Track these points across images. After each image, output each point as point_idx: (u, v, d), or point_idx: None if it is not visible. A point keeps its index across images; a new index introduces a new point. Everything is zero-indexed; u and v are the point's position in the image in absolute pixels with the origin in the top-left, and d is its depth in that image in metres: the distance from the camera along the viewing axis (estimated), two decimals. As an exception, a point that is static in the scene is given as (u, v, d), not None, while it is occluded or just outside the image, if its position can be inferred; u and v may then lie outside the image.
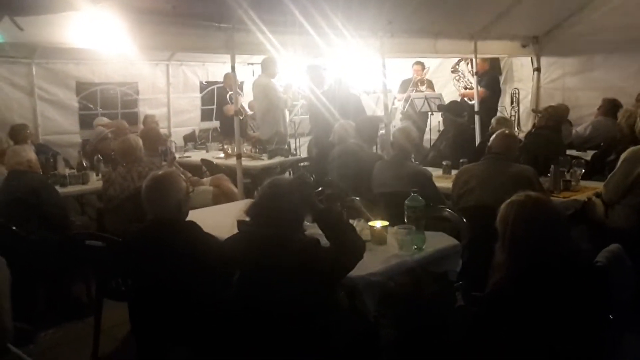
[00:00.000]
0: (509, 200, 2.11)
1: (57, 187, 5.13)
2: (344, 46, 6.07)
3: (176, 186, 2.66)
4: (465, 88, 8.22)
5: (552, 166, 4.15)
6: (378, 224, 3.10)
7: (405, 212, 2.97)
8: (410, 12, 6.06)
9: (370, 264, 2.77)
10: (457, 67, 8.34)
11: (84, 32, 4.02)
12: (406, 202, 2.96)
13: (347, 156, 4.72)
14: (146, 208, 2.65)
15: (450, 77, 8.64)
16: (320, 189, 3.55)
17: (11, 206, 4.11)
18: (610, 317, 2.17)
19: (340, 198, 3.41)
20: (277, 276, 2.18)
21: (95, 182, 5.46)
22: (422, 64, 8.45)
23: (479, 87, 7.41)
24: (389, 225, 3.15)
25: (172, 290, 2.44)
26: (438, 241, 3.06)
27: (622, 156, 3.80)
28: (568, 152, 5.47)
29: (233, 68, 5.12)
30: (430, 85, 8.52)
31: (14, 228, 3.89)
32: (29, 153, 4.56)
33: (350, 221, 3.31)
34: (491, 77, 7.91)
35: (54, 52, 6.99)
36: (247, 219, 2.35)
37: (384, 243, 3.05)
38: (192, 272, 2.38)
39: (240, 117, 8.30)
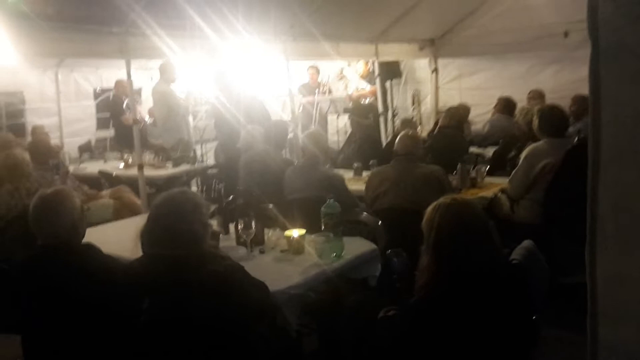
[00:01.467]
0: (435, 203, 2.07)
1: None
2: (246, 49, 5.93)
3: (68, 204, 2.38)
4: (357, 89, 8.31)
5: (459, 164, 4.24)
6: (295, 232, 2.99)
7: (322, 219, 2.88)
8: (311, 16, 6.03)
9: (288, 276, 2.66)
10: (342, 74, 8.41)
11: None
12: (322, 208, 2.87)
13: (256, 163, 4.57)
14: (35, 232, 2.35)
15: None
16: (231, 197, 3.38)
17: None
18: (532, 315, 2.19)
19: (254, 206, 3.25)
20: (191, 299, 2.00)
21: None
22: (316, 68, 8.44)
23: (370, 87, 7.53)
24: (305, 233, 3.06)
25: (70, 323, 2.18)
26: (356, 247, 3.00)
27: (523, 154, 3.94)
28: (470, 149, 5.67)
29: (129, 74, 4.81)
30: (330, 89, 8.59)
31: None
32: None
33: (266, 231, 3.21)
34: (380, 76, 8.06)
35: None
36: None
37: (302, 252, 2.94)
38: (92, 302, 2.14)
39: (139, 126, 7.94)
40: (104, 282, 2.17)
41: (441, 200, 2.05)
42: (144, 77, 8.90)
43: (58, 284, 2.24)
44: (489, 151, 5.68)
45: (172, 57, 6.03)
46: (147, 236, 2.12)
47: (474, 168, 4.48)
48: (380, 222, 3.40)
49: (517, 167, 3.97)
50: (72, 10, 4.07)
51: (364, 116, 5.69)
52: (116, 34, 4.56)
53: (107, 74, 8.56)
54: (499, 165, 4.88)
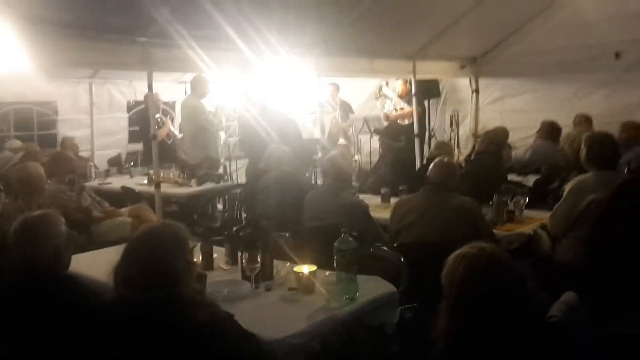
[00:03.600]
0: (458, 252, 1.73)
1: (-54, 222, 4.50)
2: (278, 64, 5.72)
3: (52, 231, 2.17)
4: (396, 110, 7.97)
5: (494, 196, 3.87)
6: (305, 268, 2.69)
7: (335, 256, 2.57)
8: (345, 30, 5.78)
9: (292, 321, 2.36)
10: (380, 92, 8.05)
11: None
12: (335, 244, 2.57)
13: (276, 185, 4.30)
14: (14, 257, 2.15)
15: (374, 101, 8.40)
16: (241, 225, 3.11)
17: None
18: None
19: (263, 236, 2.98)
20: (166, 352, 1.72)
21: (-5, 215, 4.80)
22: (336, 85, 8.12)
23: (408, 106, 7.23)
24: (320, 266, 2.76)
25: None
26: (373, 288, 2.67)
27: (568, 186, 3.55)
28: (509, 176, 5.27)
29: (150, 87, 4.64)
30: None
31: None
32: None
33: (275, 262, 2.93)
34: (417, 97, 7.70)
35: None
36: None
37: (312, 292, 2.64)
38: (62, 340, 1.90)
39: (169, 141, 7.83)
40: (76, 320, 1.93)
41: (466, 249, 1.72)
42: (178, 91, 8.82)
43: (31, 316, 2.02)
44: (530, 180, 5.26)
45: (200, 71, 5.88)
46: (120, 274, 1.87)
47: (512, 199, 4.10)
48: (402, 258, 3.07)
49: (560, 201, 3.58)
50: (92, 18, 3.91)
51: (396, 138, 5.36)
52: (139, 43, 4.40)
53: (142, 86, 8.38)
54: (540, 197, 4.47)
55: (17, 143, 7.02)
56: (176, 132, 8.06)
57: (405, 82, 7.55)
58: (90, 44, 4.05)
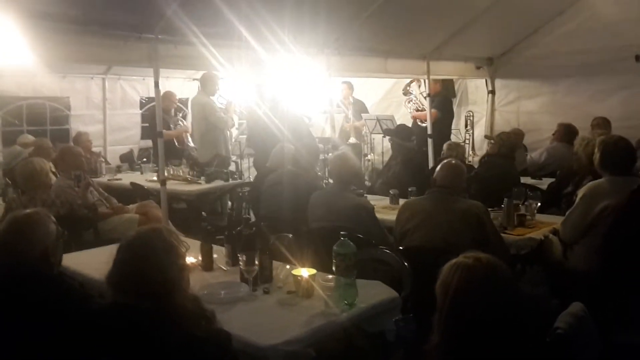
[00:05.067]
0: (453, 262, 1.64)
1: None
2: (289, 62, 5.65)
3: (41, 230, 2.11)
4: (417, 110, 7.89)
5: (505, 199, 3.76)
6: (304, 272, 2.61)
7: (334, 260, 2.49)
8: (357, 29, 5.70)
9: (289, 326, 2.28)
10: (408, 88, 8.00)
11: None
12: (334, 247, 2.49)
13: (281, 185, 4.22)
14: (2, 258, 2.10)
15: (403, 98, 8.32)
16: (238, 228, 3.04)
17: None
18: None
19: (263, 238, 2.91)
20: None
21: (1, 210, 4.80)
22: (349, 84, 8.00)
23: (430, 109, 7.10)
24: (324, 269, 2.69)
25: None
26: (373, 294, 2.59)
27: (580, 192, 3.43)
28: (522, 179, 5.15)
29: (156, 84, 4.58)
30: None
31: None
32: None
33: (274, 264, 2.86)
34: (443, 98, 7.59)
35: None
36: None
37: (311, 296, 2.57)
38: (47, 345, 1.85)
39: (178, 146, 7.77)
40: (62, 322, 1.87)
41: (461, 259, 1.62)
42: (191, 88, 8.79)
43: (16, 316, 1.96)
44: (545, 183, 5.14)
45: (209, 68, 5.84)
46: (112, 280, 1.80)
47: (523, 203, 3.98)
48: (406, 263, 2.98)
49: (573, 207, 3.46)
50: (98, 14, 3.87)
51: (406, 138, 5.27)
52: (145, 40, 4.35)
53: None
54: (554, 201, 4.35)
55: (29, 138, 7.02)
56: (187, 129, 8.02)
57: (436, 82, 7.39)
58: (96, 40, 4.01)
